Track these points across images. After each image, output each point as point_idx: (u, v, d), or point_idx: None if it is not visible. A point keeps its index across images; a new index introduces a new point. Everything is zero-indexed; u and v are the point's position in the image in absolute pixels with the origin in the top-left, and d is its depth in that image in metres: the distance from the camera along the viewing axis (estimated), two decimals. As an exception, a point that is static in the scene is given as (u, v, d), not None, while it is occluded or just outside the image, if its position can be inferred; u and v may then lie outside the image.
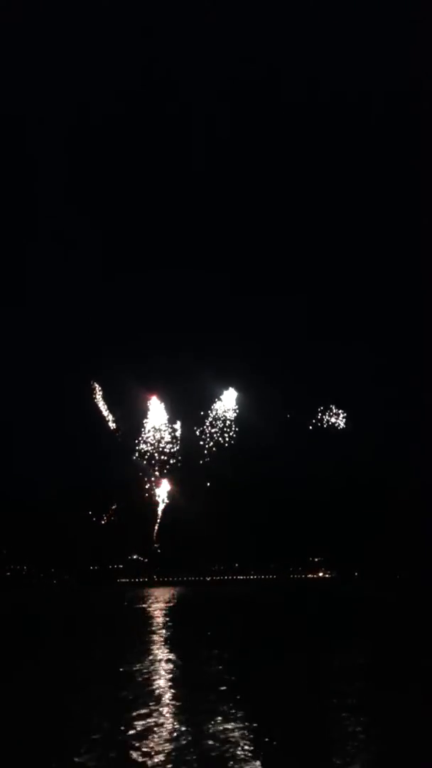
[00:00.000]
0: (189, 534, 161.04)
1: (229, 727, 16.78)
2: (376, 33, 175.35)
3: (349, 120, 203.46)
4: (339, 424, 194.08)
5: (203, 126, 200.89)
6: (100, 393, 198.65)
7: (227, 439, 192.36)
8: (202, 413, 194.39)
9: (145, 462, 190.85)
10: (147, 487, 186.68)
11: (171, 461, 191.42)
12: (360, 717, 17.84)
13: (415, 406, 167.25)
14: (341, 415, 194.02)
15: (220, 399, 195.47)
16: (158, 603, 76.21)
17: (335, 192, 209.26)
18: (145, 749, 15.08)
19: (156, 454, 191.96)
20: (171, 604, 75.51)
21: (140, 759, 14.47)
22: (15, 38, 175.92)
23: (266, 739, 15.73)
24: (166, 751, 14.85)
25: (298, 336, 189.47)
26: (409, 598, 78.07)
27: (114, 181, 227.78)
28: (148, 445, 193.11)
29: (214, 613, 63.03)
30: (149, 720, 17.69)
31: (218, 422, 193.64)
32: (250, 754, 14.58)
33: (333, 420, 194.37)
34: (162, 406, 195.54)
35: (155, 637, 38.17)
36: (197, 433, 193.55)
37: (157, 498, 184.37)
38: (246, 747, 15.11)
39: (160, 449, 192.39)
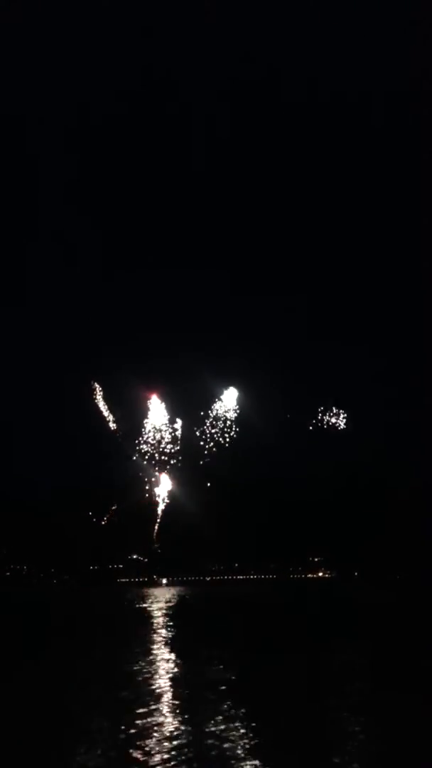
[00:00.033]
0: (189, 534, 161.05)
1: (229, 727, 16.78)
2: (376, 33, 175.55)
3: (349, 120, 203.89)
4: (339, 425, 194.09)
5: (203, 126, 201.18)
6: (100, 393, 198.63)
7: (227, 439, 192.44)
8: (202, 413, 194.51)
9: (145, 462, 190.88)
10: (147, 487, 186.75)
11: (171, 461, 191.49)
12: (360, 717, 17.84)
13: (415, 406, 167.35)
14: (341, 416, 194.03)
15: (220, 399, 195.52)
16: (158, 603, 76.21)
17: (335, 192, 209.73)
18: (145, 749, 15.09)
19: (156, 454, 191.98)
20: (171, 604, 75.49)
21: (140, 759, 14.47)
22: (15, 38, 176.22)
23: (266, 739, 15.73)
24: (166, 751, 14.85)
25: (298, 336, 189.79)
26: (409, 598, 78.04)
27: (114, 181, 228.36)
28: (149, 445, 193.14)
29: (214, 613, 63.03)
30: (149, 720, 17.69)
31: (218, 422, 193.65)
32: (250, 754, 14.59)
33: (333, 420, 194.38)
34: (162, 406, 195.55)
35: (155, 637, 38.17)
36: (197, 433, 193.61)
37: (157, 498, 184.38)
38: (246, 746, 15.11)
39: (161, 449, 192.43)
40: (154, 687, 22.35)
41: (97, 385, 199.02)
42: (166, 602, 78.82)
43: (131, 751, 15.01)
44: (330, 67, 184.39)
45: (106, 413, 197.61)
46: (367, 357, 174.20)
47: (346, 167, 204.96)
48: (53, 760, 14.82)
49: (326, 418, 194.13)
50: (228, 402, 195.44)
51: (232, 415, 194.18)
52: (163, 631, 41.81)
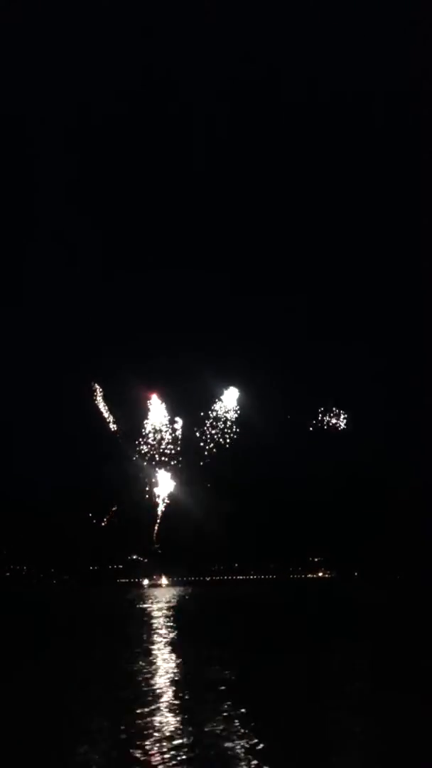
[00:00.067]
0: (189, 534, 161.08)
1: (229, 727, 16.78)
2: (376, 33, 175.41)
3: (350, 120, 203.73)
4: (339, 425, 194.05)
5: (203, 126, 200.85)
6: (100, 393, 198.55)
7: (227, 439, 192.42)
8: (202, 413, 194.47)
9: (145, 462, 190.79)
10: (147, 487, 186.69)
11: (171, 462, 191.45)
12: (360, 717, 17.84)
13: (415, 406, 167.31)
14: (342, 416, 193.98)
15: (220, 399, 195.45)
16: (158, 603, 76.25)
17: (335, 192, 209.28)
18: (145, 749, 15.08)
19: (156, 455, 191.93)
20: (171, 604, 75.51)
21: (140, 759, 14.47)
22: (15, 38, 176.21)
23: (266, 739, 15.72)
24: (166, 751, 14.85)
25: (298, 336, 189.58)
26: (409, 598, 78.03)
27: (114, 181, 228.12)
28: (149, 445, 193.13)
29: (214, 613, 63.05)
30: (149, 720, 17.69)
31: (219, 422, 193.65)
32: (250, 754, 14.59)
33: (333, 420, 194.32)
34: (162, 406, 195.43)
35: (155, 637, 38.19)
36: (197, 433, 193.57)
37: (157, 498, 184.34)
38: (246, 747, 15.10)
39: (161, 449, 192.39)
40: (154, 687, 22.35)
41: (97, 386, 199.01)
42: (166, 602, 78.87)
43: (131, 750, 15.01)
44: (330, 67, 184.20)
45: (106, 413, 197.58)
46: (367, 357, 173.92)
47: (346, 167, 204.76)
48: (53, 760, 14.82)
49: (326, 418, 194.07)
50: (228, 402, 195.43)
51: (232, 415, 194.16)
52: (163, 631, 41.83)
